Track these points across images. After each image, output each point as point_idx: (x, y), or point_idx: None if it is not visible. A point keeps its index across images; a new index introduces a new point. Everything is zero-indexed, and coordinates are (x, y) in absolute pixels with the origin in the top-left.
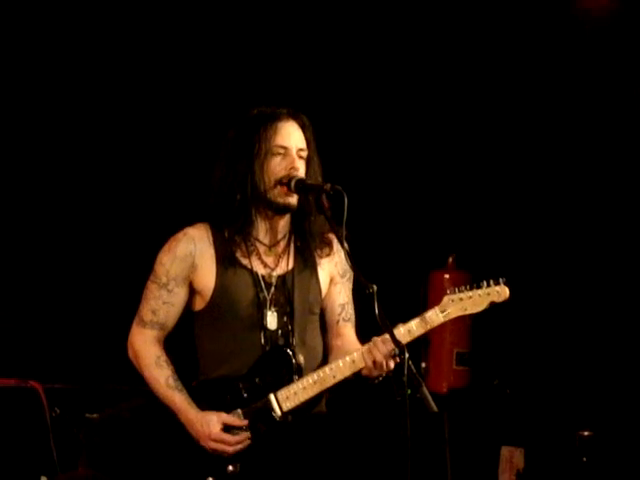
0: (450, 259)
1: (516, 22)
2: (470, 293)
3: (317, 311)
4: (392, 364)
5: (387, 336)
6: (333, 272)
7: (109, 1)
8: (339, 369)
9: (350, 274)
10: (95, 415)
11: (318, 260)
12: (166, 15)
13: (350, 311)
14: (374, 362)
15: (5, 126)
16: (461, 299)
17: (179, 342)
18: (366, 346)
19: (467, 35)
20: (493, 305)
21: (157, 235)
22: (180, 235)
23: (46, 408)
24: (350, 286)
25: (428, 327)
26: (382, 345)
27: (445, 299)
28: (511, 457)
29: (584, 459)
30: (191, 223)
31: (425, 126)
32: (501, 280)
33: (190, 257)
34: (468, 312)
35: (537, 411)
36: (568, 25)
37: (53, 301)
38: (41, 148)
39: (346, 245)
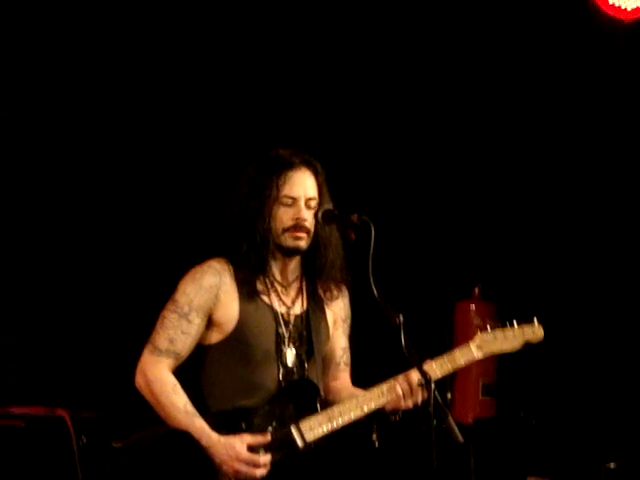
0: (476, 289)
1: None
2: (504, 333)
3: (323, 353)
4: (420, 399)
5: (417, 370)
6: (337, 316)
7: (115, 10)
8: (366, 400)
9: (350, 320)
10: (118, 443)
11: (326, 302)
12: (179, 34)
13: (349, 356)
14: (403, 393)
15: (8, 130)
16: (495, 338)
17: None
18: (394, 378)
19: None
20: (528, 345)
21: (175, 267)
22: (205, 267)
23: (73, 437)
24: (349, 332)
25: (463, 364)
26: (412, 378)
27: (480, 336)
28: None
29: None
30: (204, 253)
31: (451, 156)
32: (535, 320)
33: (215, 289)
34: (503, 351)
35: (563, 442)
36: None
37: (81, 329)
38: (54, 170)
39: (373, 286)
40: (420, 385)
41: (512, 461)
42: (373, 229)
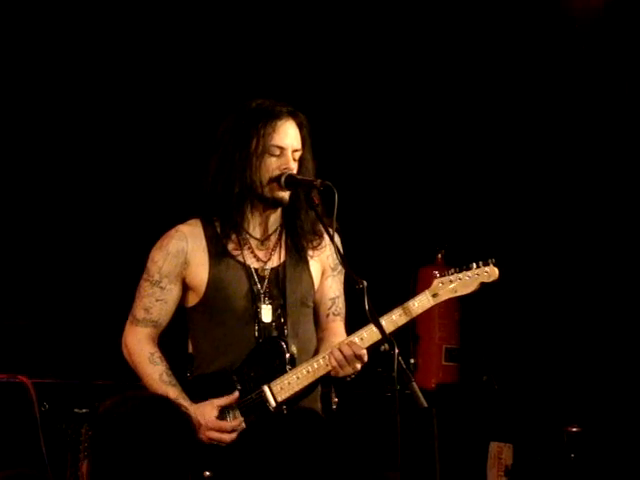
0: (439, 255)
1: (509, 20)
2: (460, 275)
3: (310, 304)
4: (359, 366)
5: (354, 338)
6: (325, 265)
7: None
8: (319, 365)
9: (341, 268)
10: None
11: (310, 253)
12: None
13: (340, 305)
14: (338, 363)
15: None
16: (451, 281)
17: (173, 339)
18: (329, 350)
19: (452, 24)
20: (483, 286)
21: (149, 230)
22: (172, 232)
23: (35, 403)
24: (341, 279)
25: (420, 311)
26: (347, 348)
27: (435, 282)
28: (499, 453)
29: (572, 455)
30: (183, 217)
31: (413, 122)
32: (490, 261)
33: (182, 254)
34: (458, 294)
35: (525, 407)
36: (565, 25)
37: (43, 296)
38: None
39: (337, 241)
40: (384, 350)
41: (475, 426)
42: (337, 194)
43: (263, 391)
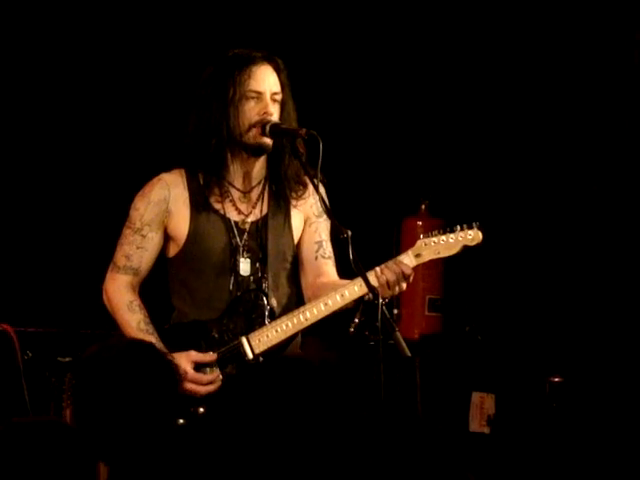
0: (423, 206)
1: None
2: (443, 237)
3: (290, 258)
4: (405, 285)
5: (399, 258)
6: (308, 213)
7: None
8: (332, 299)
9: (327, 215)
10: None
11: (293, 203)
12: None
13: (329, 249)
14: (388, 282)
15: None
16: (434, 243)
17: (155, 289)
18: (378, 268)
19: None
20: (466, 249)
21: (133, 179)
22: (155, 180)
23: (18, 351)
24: (328, 226)
25: None
26: (395, 266)
27: (418, 243)
28: (482, 403)
29: (554, 405)
30: (167, 167)
31: (398, 69)
32: (474, 224)
33: (164, 202)
34: (441, 255)
35: (508, 357)
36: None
37: (26, 243)
38: None
39: (321, 190)
40: (368, 300)
41: (457, 376)
42: (321, 143)
43: (241, 342)
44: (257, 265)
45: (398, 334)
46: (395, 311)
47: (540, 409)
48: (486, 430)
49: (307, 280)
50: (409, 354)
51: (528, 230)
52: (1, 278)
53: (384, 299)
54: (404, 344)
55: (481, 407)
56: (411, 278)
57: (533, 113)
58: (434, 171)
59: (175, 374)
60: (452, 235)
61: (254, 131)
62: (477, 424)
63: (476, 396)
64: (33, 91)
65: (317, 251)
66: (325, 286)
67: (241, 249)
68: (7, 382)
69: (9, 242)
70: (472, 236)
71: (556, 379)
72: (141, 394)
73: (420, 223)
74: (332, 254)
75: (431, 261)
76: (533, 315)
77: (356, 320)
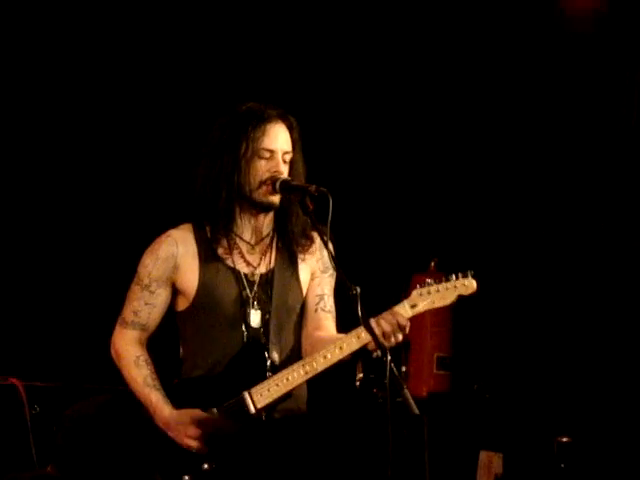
0: (432, 263)
1: (504, 23)
2: (438, 287)
3: (298, 310)
4: (401, 336)
5: (394, 309)
6: (314, 267)
7: None
8: (309, 362)
9: (332, 271)
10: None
11: (300, 257)
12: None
13: (330, 303)
14: (384, 333)
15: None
16: (429, 292)
17: (164, 343)
18: (375, 319)
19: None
20: (461, 298)
21: (142, 235)
22: (163, 237)
23: (26, 405)
24: (332, 282)
25: None
26: (391, 317)
27: (414, 293)
28: (490, 462)
29: (562, 465)
30: (175, 222)
31: (408, 128)
32: (469, 272)
33: (172, 259)
34: (436, 305)
35: (516, 416)
36: (562, 26)
37: (35, 299)
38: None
39: (330, 247)
40: (377, 357)
41: (466, 435)
42: (331, 200)
43: (243, 397)
44: (267, 317)
45: (407, 392)
46: (403, 369)
47: (548, 469)
48: None
49: (306, 331)
50: (417, 412)
51: (537, 290)
52: (10, 332)
53: (381, 348)
54: (413, 402)
55: (489, 466)
56: (407, 329)
57: (541, 172)
58: (443, 229)
59: (156, 429)
60: (447, 284)
61: (264, 188)
62: None
63: (484, 455)
64: (44, 142)
65: (318, 304)
66: (322, 340)
67: (251, 300)
68: (14, 436)
69: (19, 297)
70: (466, 285)
71: (564, 439)
72: (114, 448)
73: (429, 280)
74: (333, 309)
75: (439, 319)
76: (541, 374)
77: (360, 375)
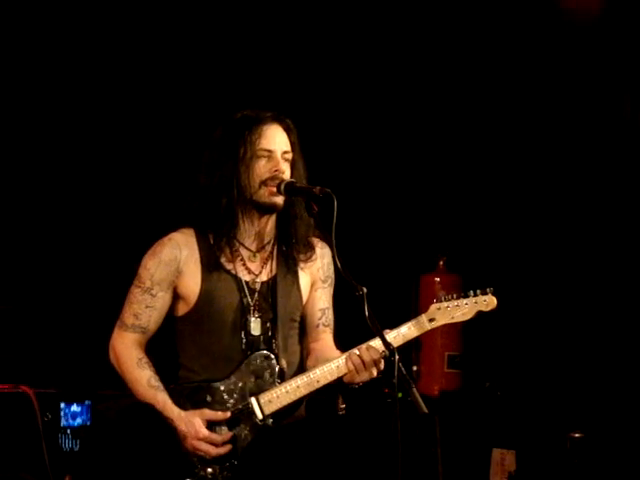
0: (440, 262)
1: (504, 23)
2: (457, 302)
3: (297, 318)
4: (375, 372)
5: (371, 343)
6: (315, 277)
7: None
8: (323, 374)
9: (332, 280)
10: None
11: (301, 265)
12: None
13: (330, 317)
14: (356, 368)
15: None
16: (448, 307)
17: (158, 348)
18: (348, 353)
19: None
20: (480, 314)
21: (143, 240)
22: (165, 240)
23: (38, 413)
24: (331, 292)
25: (416, 334)
26: (366, 352)
27: (432, 307)
28: (502, 459)
29: (575, 461)
30: (175, 227)
31: (414, 126)
32: (489, 290)
33: (175, 262)
34: (455, 320)
35: (528, 413)
36: (562, 26)
37: (45, 306)
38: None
39: (337, 258)
40: (384, 356)
41: (478, 433)
42: (336, 201)
43: (250, 403)
44: (267, 325)
45: (415, 390)
46: (414, 368)
47: (561, 465)
48: None
49: (306, 343)
50: (426, 410)
51: (546, 284)
52: (21, 340)
53: (353, 385)
54: (421, 400)
55: (502, 464)
56: (381, 365)
57: (552, 171)
58: (452, 228)
59: (174, 435)
60: (466, 300)
61: (266, 189)
62: None
63: (497, 452)
64: (47, 147)
65: (320, 319)
66: (321, 353)
67: (252, 308)
68: (27, 444)
69: (27, 305)
70: (487, 302)
71: (577, 435)
72: (135, 455)
73: (438, 279)
74: (332, 322)
75: None
76: (553, 370)
77: (342, 406)
